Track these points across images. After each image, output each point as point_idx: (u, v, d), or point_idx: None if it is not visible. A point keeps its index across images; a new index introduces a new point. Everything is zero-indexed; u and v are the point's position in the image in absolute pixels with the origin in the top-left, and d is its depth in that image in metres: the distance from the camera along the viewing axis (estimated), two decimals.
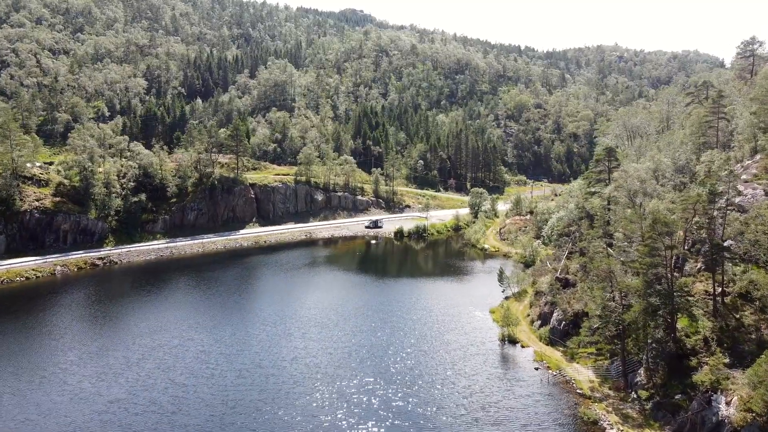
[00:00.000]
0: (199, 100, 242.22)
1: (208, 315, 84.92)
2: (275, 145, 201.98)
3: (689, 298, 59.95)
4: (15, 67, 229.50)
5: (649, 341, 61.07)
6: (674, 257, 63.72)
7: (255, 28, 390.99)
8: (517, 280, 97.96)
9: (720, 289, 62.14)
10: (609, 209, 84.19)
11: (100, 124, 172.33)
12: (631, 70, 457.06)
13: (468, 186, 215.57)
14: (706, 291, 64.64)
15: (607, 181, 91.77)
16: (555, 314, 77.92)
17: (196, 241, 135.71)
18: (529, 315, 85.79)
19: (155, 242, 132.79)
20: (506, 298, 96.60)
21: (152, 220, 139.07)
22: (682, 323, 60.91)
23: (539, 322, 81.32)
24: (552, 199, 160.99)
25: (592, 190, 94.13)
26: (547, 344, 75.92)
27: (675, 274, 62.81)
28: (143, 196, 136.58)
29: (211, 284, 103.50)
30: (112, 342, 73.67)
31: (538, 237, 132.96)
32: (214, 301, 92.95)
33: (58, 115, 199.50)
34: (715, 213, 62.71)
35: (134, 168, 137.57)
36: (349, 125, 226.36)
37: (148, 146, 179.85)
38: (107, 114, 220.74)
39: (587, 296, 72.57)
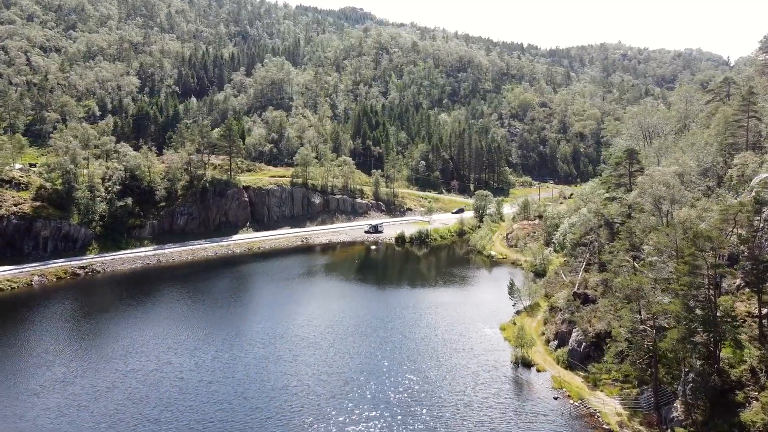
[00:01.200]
0: (193, 99, 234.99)
1: (191, 334, 77.31)
2: (271, 145, 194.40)
3: (735, 323, 52.30)
4: (4, 65, 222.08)
5: (687, 371, 53.56)
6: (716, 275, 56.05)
7: (253, 26, 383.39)
8: (528, 293, 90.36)
9: (766, 311, 54.61)
10: (631, 217, 76.68)
11: (84, 123, 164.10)
12: (636, 69, 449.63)
13: (471, 188, 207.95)
14: (749, 312, 57.14)
15: (628, 186, 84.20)
16: (574, 334, 70.24)
17: (185, 248, 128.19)
18: (543, 333, 78.12)
19: (142, 249, 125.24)
20: (517, 312, 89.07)
21: (139, 225, 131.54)
22: (725, 352, 53.32)
23: (556, 342, 73.68)
24: (561, 202, 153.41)
25: (612, 195, 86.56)
26: (565, 368, 68.26)
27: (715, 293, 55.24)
28: (130, 200, 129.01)
29: (197, 297, 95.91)
30: (81, 367, 66.08)
31: (548, 243, 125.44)
32: (199, 317, 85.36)
33: (46, 115, 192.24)
34: (762, 224, 55.14)
35: (120, 170, 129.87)
36: (349, 125, 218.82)
37: (140, 147, 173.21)
38: (98, 113, 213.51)
39: (611, 315, 65.05)
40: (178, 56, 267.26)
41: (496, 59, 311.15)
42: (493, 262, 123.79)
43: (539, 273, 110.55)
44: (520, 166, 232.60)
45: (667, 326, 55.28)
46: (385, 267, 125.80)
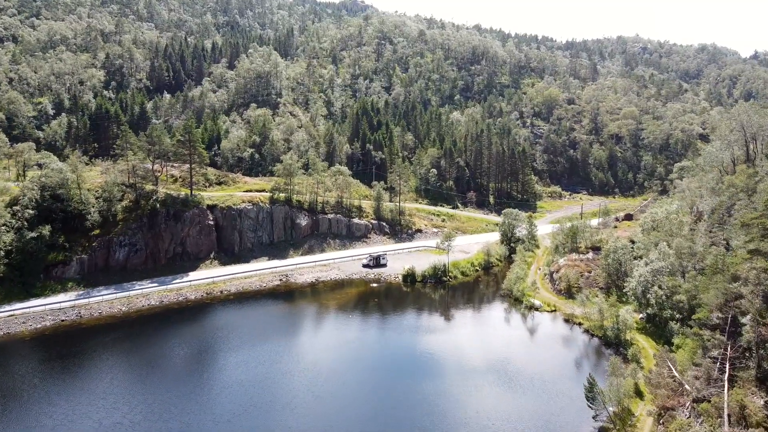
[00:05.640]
0: (166, 95, 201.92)
1: None
2: (252, 150, 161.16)
3: None
4: None
5: None
6: None
7: (243, 16, 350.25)
8: (616, 397, 57.07)
9: None
10: None
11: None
12: (659, 63, 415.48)
13: (491, 200, 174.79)
14: None
15: None
16: None
17: (120, 294, 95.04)
18: None
19: (59, 298, 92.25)
20: (601, 430, 55.90)
21: (63, 261, 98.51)
22: None
23: None
24: (615, 225, 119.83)
25: (760, 247, 53.28)
26: None
27: None
28: (48, 229, 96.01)
29: (90, 396, 62.87)
30: None
31: (609, 289, 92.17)
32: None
33: None
34: None
35: (33, 190, 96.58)
36: (346, 125, 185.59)
37: (102, 152, 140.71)
38: (51, 112, 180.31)
39: None
40: (152, 46, 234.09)
41: (513, 50, 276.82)
42: (536, 316, 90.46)
43: (610, 341, 77.45)
44: (547, 173, 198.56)
45: None
46: (387, 327, 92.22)
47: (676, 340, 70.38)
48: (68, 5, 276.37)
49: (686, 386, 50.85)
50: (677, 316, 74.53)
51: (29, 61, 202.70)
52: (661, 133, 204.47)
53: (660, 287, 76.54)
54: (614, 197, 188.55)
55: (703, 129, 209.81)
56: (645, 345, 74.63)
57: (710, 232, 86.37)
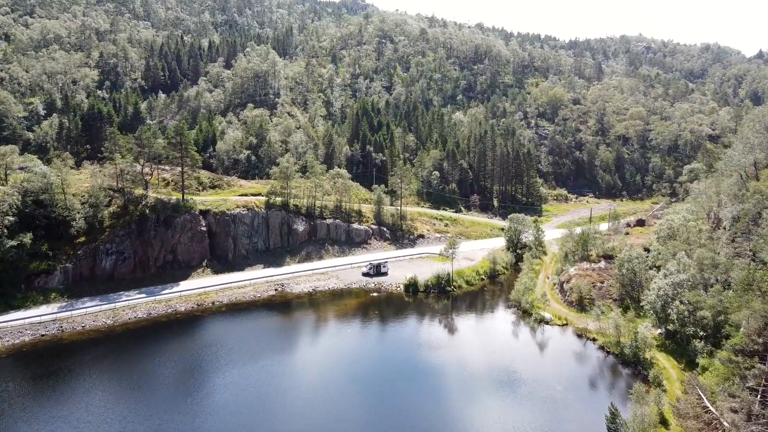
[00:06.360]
0: (161, 95, 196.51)
1: None
2: (249, 152, 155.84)
3: None
4: None
5: None
6: None
7: (242, 15, 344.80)
8: (641, 429, 51.75)
9: None
10: None
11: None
12: (663, 62, 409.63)
13: (495, 203, 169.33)
14: None
15: None
16: None
17: (105, 306, 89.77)
18: None
19: (40, 310, 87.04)
20: None
21: (46, 270, 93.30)
22: None
23: None
24: (626, 232, 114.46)
25: None
26: None
27: None
28: (29, 237, 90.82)
29: (62, 424, 57.62)
30: None
31: (623, 300, 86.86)
32: None
33: None
34: None
35: (13, 196, 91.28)
36: (345, 126, 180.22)
37: (94, 154, 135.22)
38: (42, 112, 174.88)
39: None
40: (147, 45, 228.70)
41: (517, 49, 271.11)
42: (547, 329, 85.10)
43: (628, 360, 72.08)
44: (552, 175, 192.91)
45: None
46: (387, 345, 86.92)
47: (701, 361, 65.09)
48: (63, 3, 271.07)
49: (724, 422, 45.35)
50: (701, 333, 69.23)
51: (21, 60, 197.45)
52: (669, 134, 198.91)
53: (682, 302, 71.13)
54: (622, 200, 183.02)
55: (713, 130, 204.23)
56: (666, 365, 69.24)
57: (733, 241, 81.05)
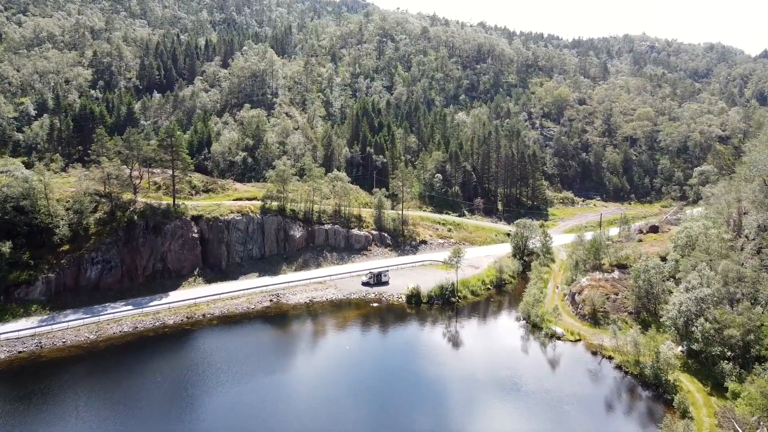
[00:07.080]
0: (156, 95, 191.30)
1: None
2: (245, 154, 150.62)
3: None
4: None
5: None
6: None
7: (240, 13, 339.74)
8: None
9: None
10: None
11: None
12: (667, 62, 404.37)
13: (499, 207, 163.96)
14: None
15: None
16: None
17: (88, 320, 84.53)
18: None
19: (21, 323, 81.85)
20: None
21: (27, 281, 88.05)
22: None
23: None
24: (639, 239, 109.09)
25: None
26: None
27: None
28: (8, 246, 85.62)
29: None
30: None
31: (639, 314, 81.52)
32: None
33: None
34: None
35: None
36: (345, 126, 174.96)
37: (85, 156, 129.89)
38: (33, 113, 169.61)
39: None
40: (142, 44, 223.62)
41: (520, 48, 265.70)
42: (558, 346, 79.73)
43: (648, 381, 66.73)
44: (558, 178, 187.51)
45: None
46: (387, 358, 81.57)
47: (730, 386, 59.79)
48: (58, 1, 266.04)
49: None
50: (728, 353, 63.95)
51: (12, 59, 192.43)
52: (678, 135, 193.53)
53: (707, 319, 65.79)
54: (630, 203, 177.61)
55: (723, 131, 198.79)
56: (690, 388, 63.92)
57: (758, 252, 75.70)
